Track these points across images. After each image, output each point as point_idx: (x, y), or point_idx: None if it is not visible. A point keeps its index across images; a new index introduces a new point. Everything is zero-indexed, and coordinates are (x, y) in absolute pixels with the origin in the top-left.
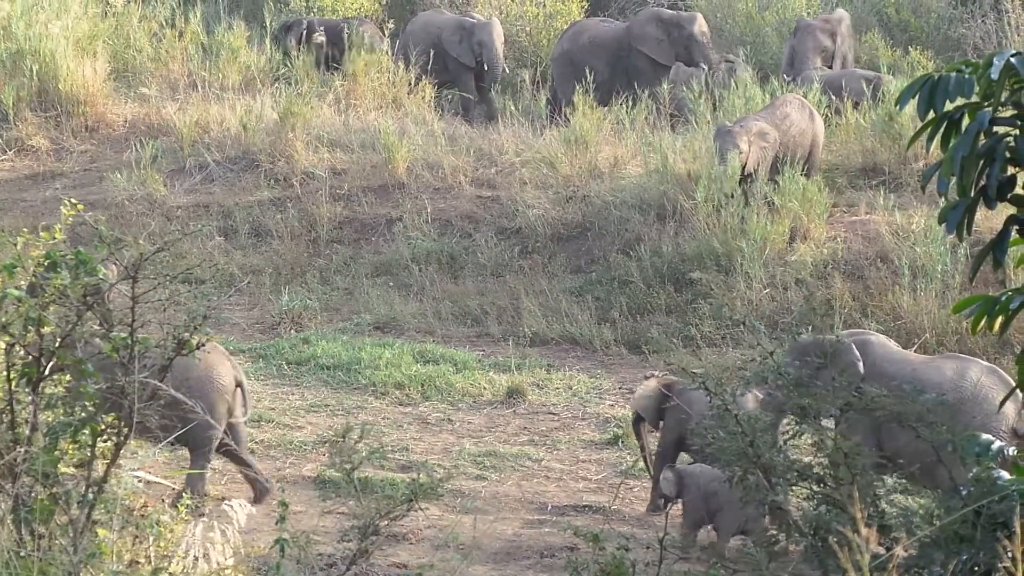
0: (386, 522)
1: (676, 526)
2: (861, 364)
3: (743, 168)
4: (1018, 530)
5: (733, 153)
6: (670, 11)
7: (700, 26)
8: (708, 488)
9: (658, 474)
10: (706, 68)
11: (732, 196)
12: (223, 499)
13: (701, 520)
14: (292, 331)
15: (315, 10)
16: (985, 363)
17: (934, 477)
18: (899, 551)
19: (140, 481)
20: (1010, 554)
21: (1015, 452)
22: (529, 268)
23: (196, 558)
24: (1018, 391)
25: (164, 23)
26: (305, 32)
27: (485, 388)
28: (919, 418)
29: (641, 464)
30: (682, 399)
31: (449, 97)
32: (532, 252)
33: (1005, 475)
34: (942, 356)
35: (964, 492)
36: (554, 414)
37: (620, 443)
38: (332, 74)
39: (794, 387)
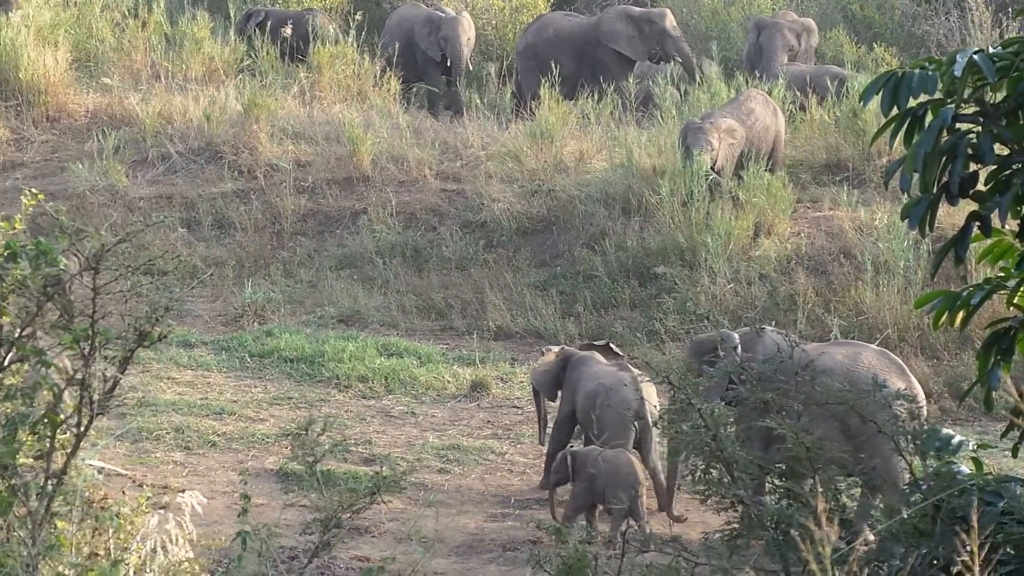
0: (349, 515)
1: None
2: (738, 351)
3: (713, 165)
4: (976, 524)
5: (704, 150)
6: (638, 8)
7: (671, 20)
8: (594, 470)
9: (552, 447)
10: (682, 61)
11: (710, 194)
12: (183, 491)
13: (587, 503)
14: (255, 323)
15: (280, 1)
16: (875, 347)
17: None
18: (860, 545)
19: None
20: (968, 548)
21: (974, 447)
22: (494, 262)
23: (153, 551)
24: (909, 373)
25: (127, 13)
26: (263, 21)
27: (449, 382)
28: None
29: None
30: (576, 372)
31: (416, 90)
32: (497, 246)
33: (965, 469)
34: (834, 343)
35: (924, 486)
36: (518, 408)
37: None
38: (297, 66)
39: (757, 382)
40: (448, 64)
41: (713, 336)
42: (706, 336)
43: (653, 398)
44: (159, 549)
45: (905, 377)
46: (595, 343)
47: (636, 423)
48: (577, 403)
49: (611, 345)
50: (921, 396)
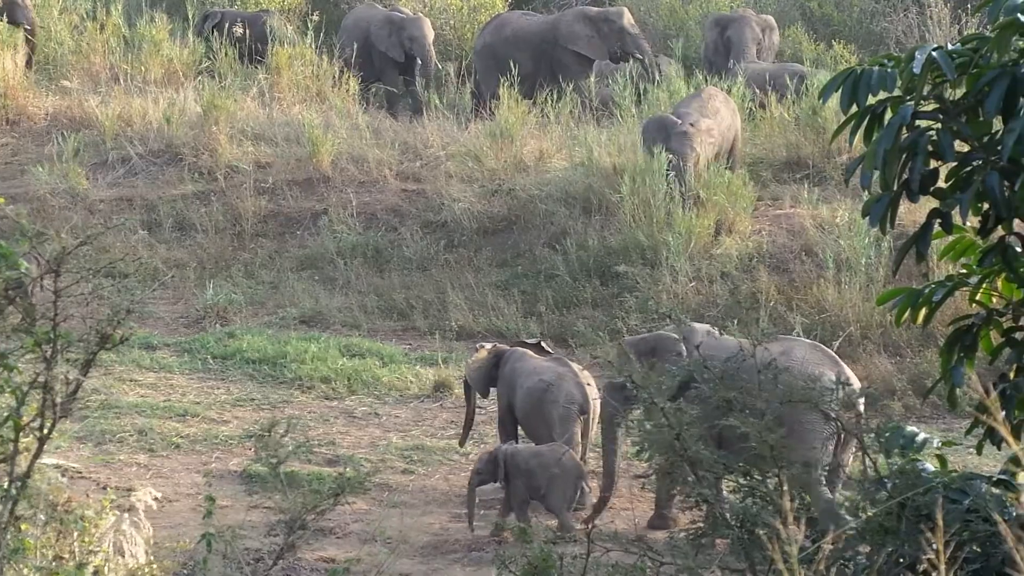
0: (313, 516)
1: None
2: (684, 350)
3: (695, 167)
4: (941, 522)
5: (690, 157)
6: (595, 8)
7: (628, 19)
8: (526, 467)
9: (500, 438)
10: (643, 58)
11: (684, 200)
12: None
13: (526, 500)
14: (217, 325)
15: (237, 2)
16: (808, 341)
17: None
18: (826, 544)
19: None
20: (933, 546)
21: (939, 444)
22: (455, 262)
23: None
24: (844, 366)
25: (85, 16)
26: (220, 23)
27: (411, 382)
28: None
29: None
30: (508, 368)
31: (375, 91)
32: (458, 246)
33: (929, 467)
34: (767, 339)
35: (889, 484)
36: (481, 408)
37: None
38: (255, 67)
39: (719, 380)
40: (408, 64)
41: (644, 337)
42: (637, 337)
43: (594, 392)
44: (115, 551)
45: (837, 366)
46: (527, 341)
47: (581, 417)
48: (516, 399)
49: (542, 343)
50: (856, 386)
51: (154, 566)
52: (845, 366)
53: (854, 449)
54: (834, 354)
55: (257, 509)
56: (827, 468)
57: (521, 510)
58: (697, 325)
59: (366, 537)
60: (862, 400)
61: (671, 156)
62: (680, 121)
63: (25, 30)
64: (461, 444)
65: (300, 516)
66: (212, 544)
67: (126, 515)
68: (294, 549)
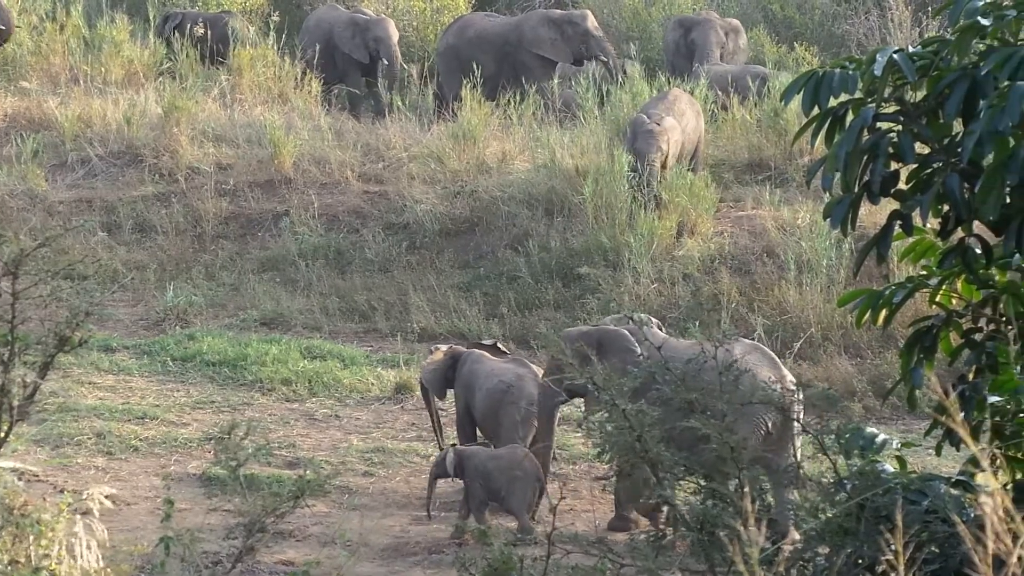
0: (272, 519)
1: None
2: (638, 348)
3: (662, 167)
4: (901, 523)
5: (656, 157)
6: (558, 11)
7: (592, 21)
8: (484, 469)
9: (459, 439)
10: (607, 60)
11: (654, 201)
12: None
13: (484, 502)
14: (177, 327)
15: (199, 3)
16: (748, 341)
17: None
18: (786, 545)
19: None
20: (893, 547)
21: (898, 445)
22: (417, 263)
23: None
24: (781, 365)
25: (44, 16)
26: (181, 24)
27: (373, 384)
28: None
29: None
30: (465, 370)
31: (337, 92)
32: (420, 247)
33: (889, 468)
34: (700, 340)
35: (848, 485)
36: (442, 409)
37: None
38: (217, 68)
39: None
40: (371, 65)
41: (586, 330)
42: (577, 330)
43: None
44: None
45: (776, 368)
46: (483, 342)
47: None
48: (475, 401)
49: (498, 345)
50: (792, 385)
51: (108, 570)
52: (783, 367)
53: (791, 450)
54: (773, 354)
55: (216, 512)
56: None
57: (479, 512)
58: (638, 317)
59: (326, 540)
60: (799, 401)
61: (636, 155)
62: (647, 120)
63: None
64: (440, 446)
65: (259, 519)
66: (170, 547)
67: (78, 517)
68: (253, 552)
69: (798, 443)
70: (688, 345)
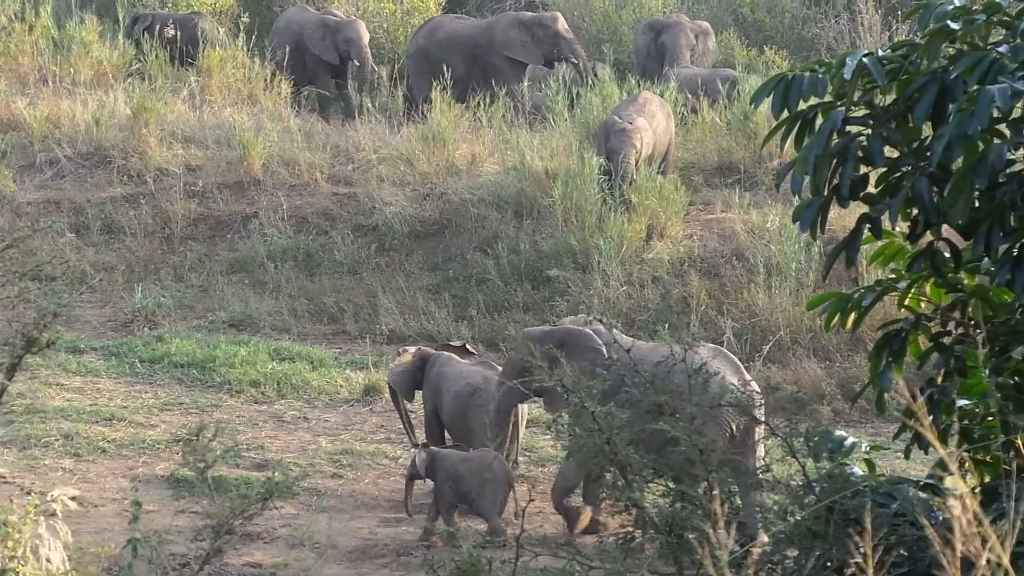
0: (240, 521)
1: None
2: (604, 349)
3: (636, 166)
4: (869, 526)
5: (631, 155)
6: (529, 13)
7: (563, 23)
8: (455, 471)
9: (428, 441)
10: (577, 62)
11: (626, 202)
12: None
13: (454, 504)
14: (146, 329)
15: (168, 4)
16: (711, 345)
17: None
18: (755, 548)
19: None
20: (861, 550)
21: (867, 448)
22: (386, 265)
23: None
24: (743, 369)
25: (13, 16)
26: (150, 25)
27: (341, 386)
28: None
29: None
30: (434, 372)
31: (307, 94)
32: (389, 249)
33: (858, 471)
34: (667, 342)
35: (817, 488)
36: (411, 411)
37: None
38: (186, 69)
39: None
40: (340, 67)
41: (548, 331)
42: (539, 331)
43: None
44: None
45: (739, 372)
46: (452, 344)
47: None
48: (443, 403)
49: (467, 346)
50: (755, 389)
51: (74, 571)
52: (744, 371)
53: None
54: (735, 358)
55: (184, 514)
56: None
57: (448, 514)
58: (598, 323)
59: (294, 542)
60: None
61: (610, 154)
62: (619, 120)
63: None
64: (415, 445)
65: (227, 521)
66: (138, 549)
67: (42, 519)
68: (221, 554)
69: (761, 447)
70: (652, 347)
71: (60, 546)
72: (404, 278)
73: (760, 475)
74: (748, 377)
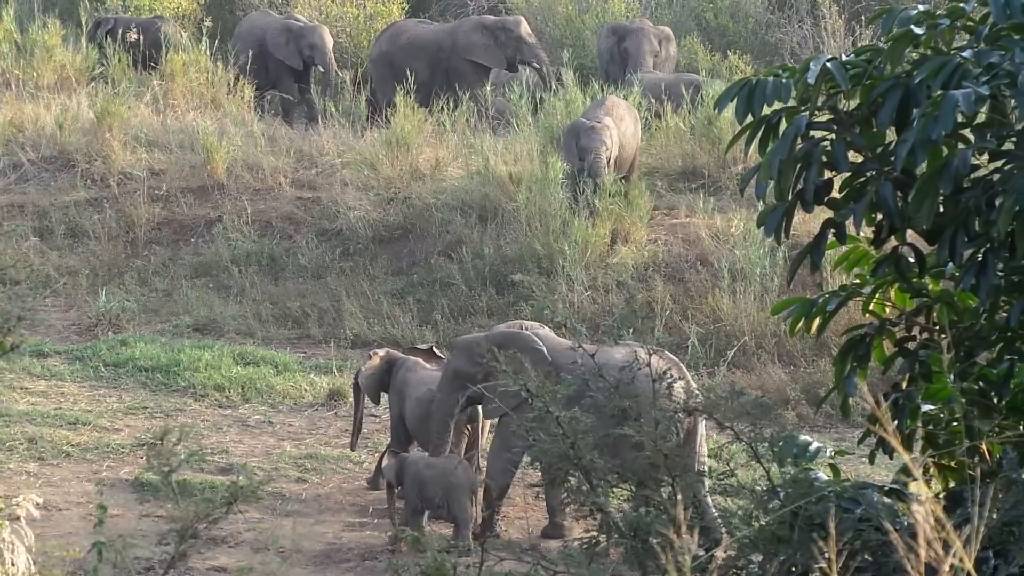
0: (205, 525)
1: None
2: (544, 350)
3: (607, 165)
4: (834, 531)
5: (601, 152)
6: (492, 17)
7: (525, 28)
8: (420, 477)
9: (394, 445)
10: (540, 67)
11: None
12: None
13: (419, 510)
14: (110, 333)
15: (131, 8)
16: (651, 347)
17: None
18: (719, 552)
19: None
20: (826, 555)
21: (832, 453)
22: (350, 270)
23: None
24: (684, 369)
25: None
26: (113, 29)
27: (306, 390)
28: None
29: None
30: (399, 376)
31: (270, 98)
32: (353, 254)
33: (822, 476)
34: (609, 344)
35: (782, 493)
36: (375, 416)
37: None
38: (149, 74)
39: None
40: (303, 72)
41: (487, 337)
42: (471, 338)
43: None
44: None
45: (681, 372)
46: (419, 347)
47: (469, 427)
48: (406, 408)
49: (434, 349)
50: (695, 388)
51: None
52: (687, 374)
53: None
54: (677, 360)
55: (149, 518)
56: None
57: (414, 520)
58: (539, 327)
59: (259, 546)
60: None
61: (582, 153)
62: (587, 121)
63: None
64: (352, 448)
65: (192, 525)
66: (103, 553)
67: (7, 523)
68: (185, 558)
69: (705, 447)
70: (591, 349)
71: (24, 550)
72: (368, 282)
73: (705, 477)
74: (689, 378)
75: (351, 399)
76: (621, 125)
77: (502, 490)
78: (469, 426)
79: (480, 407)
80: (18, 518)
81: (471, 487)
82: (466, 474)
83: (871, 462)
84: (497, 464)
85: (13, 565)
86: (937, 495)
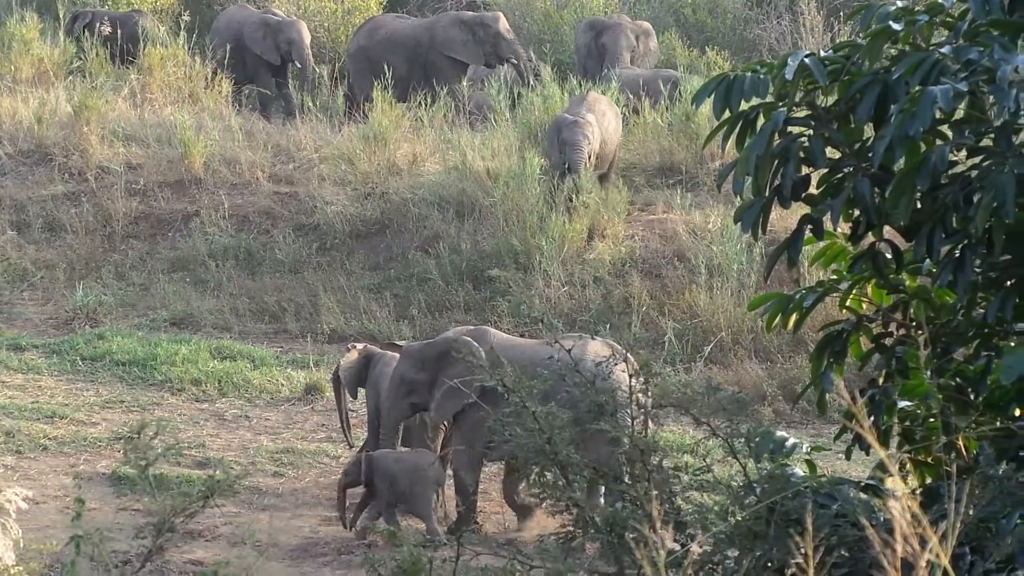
0: (182, 519)
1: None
2: (481, 351)
3: (588, 159)
4: (810, 526)
5: (583, 147)
6: (470, 12)
7: (504, 23)
8: (390, 472)
9: (371, 444)
10: (518, 63)
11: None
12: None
13: (392, 504)
14: (87, 327)
15: (109, 2)
16: (600, 339)
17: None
18: (694, 547)
19: None
20: (802, 550)
21: (808, 449)
22: (327, 265)
23: None
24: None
25: None
26: (90, 23)
27: (283, 385)
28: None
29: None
30: (376, 371)
31: (247, 93)
32: (330, 248)
33: (798, 472)
34: (560, 336)
35: (758, 489)
36: (352, 411)
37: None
38: (127, 68)
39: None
40: (281, 66)
41: (428, 343)
42: (419, 344)
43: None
44: None
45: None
46: (397, 343)
47: (445, 423)
48: (382, 403)
49: None
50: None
51: (20, 568)
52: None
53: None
54: (625, 351)
55: (125, 511)
56: None
57: (388, 514)
58: (487, 327)
59: (235, 540)
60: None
61: (563, 146)
62: (569, 116)
63: None
64: (350, 445)
65: (168, 518)
66: (80, 546)
67: None
68: (162, 551)
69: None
70: (539, 343)
71: (10, 543)
72: (345, 277)
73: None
74: (632, 361)
75: (328, 394)
76: (603, 121)
77: (473, 485)
78: (445, 423)
79: (429, 411)
80: (5, 511)
81: (437, 482)
82: (433, 469)
83: (847, 458)
84: (462, 461)
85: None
86: (913, 491)
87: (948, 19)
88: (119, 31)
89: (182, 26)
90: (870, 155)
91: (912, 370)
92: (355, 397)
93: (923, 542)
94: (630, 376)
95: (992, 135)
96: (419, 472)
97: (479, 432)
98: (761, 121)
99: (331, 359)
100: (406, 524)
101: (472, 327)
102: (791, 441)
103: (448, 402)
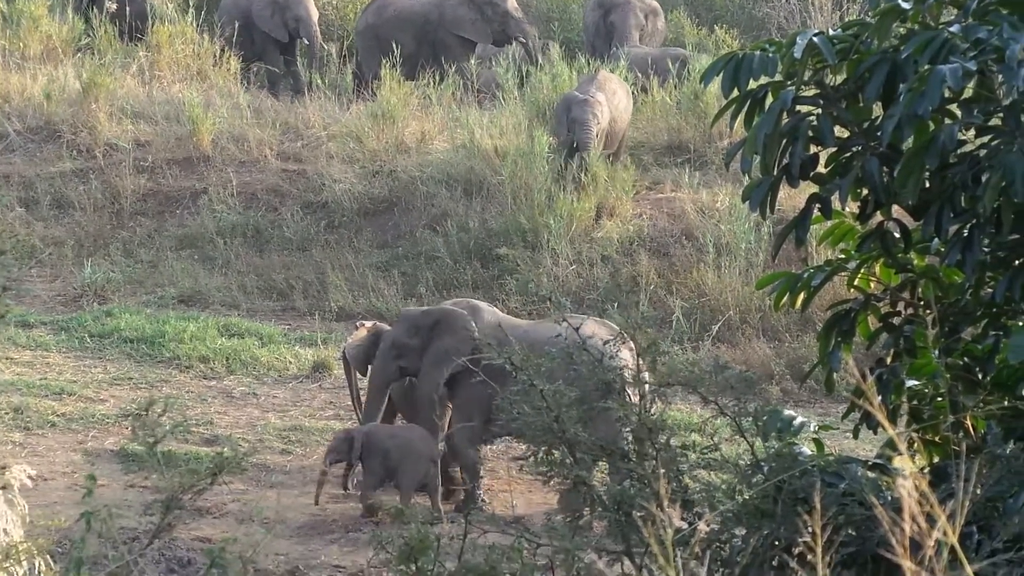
0: (190, 496)
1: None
2: (475, 329)
3: (597, 138)
4: (818, 505)
5: (592, 125)
6: None
7: (512, 2)
8: (383, 447)
9: (367, 418)
10: (526, 41)
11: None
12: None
13: (381, 480)
14: (95, 304)
15: None
16: (596, 318)
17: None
18: (702, 526)
19: None
20: (810, 529)
21: (816, 428)
22: (335, 242)
23: None
24: (630, 340)
25: None
26: (99, 0)
27: (290, 362)
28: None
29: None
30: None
31: (256, 70)
32: (338, 226)
33: (806, 451)
34: (556, 316)
35: (765, 467)
36: (363, 389)
37: None
38: (135, 45)
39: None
40: (289, 44)
41: (425, 311)
42: (416, 311)
43: None
44: None
45: (626, 344)
46: None
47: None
48: (373, 364)
49: None
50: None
51: (29, 544)
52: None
53: None
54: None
55: (134, 488)
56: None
57: (377, 488)
58: (480, 303)
59: (243, 517)
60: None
61: (572, 125)
62: (579, 94)
63: None
64: (360, 421)
65: (177, 495)
66: (91, 523)
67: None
68: (170, 528)
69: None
70: (533, 323)
71: (18, 519)
72: (353, 255)
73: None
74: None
75: (336, 371)
76: (613, 99)
77: (473, 462)
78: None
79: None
80: (12, 487)
81: (431, 457)
82: (426, 444)
83: (855, 437)
84: (460, 437)
85: (7, 534)
86: (921, 470)
87: None
88: (127, 8)
89: (190, 3)
90: (879, 134)
91: (920, 349)
92: (364, 375)
93: (931, 521)
94: (638, 356)
95: (1001, 114)
96: (411, 447)
97: (474, 407)
98: (770, 100)
99: (339, 337)
100: (414, 502)
101: (465, 301)
102: (799, 420)
103: (435, 370)
